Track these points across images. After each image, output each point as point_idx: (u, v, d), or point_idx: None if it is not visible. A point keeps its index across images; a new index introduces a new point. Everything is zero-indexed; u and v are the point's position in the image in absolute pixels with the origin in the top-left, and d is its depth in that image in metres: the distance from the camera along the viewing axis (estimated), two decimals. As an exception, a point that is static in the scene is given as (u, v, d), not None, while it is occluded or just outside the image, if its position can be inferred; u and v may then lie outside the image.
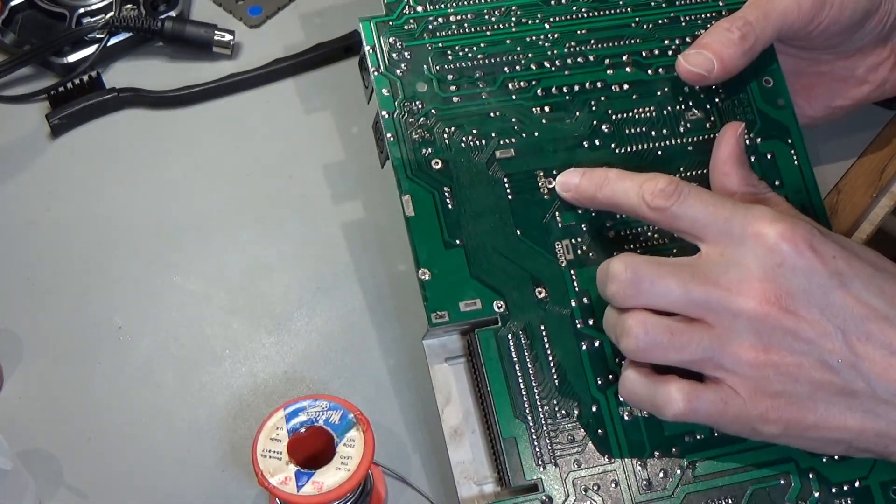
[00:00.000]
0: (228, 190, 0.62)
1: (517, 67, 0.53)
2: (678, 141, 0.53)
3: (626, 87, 0.53)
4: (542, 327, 0.49)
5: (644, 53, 0.54)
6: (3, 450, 0.49)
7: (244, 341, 0.57)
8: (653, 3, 0.55)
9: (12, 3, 0.67)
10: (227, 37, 0.66)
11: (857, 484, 0.49)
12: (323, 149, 0.64)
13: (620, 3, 0.55)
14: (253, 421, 0.55)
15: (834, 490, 0.49)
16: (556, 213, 0.51)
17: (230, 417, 0.55)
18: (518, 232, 0.50)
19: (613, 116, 0.53)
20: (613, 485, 0.48)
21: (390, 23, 0.53)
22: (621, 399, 0.48)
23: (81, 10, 0.66)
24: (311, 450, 0.47)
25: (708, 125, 0.53)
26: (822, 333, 0.44)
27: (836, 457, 0.49)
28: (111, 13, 0.66)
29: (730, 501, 0.49)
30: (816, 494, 0.49)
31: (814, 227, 0.46)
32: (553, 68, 0.53)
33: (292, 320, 0.58)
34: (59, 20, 0.67)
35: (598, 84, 0.53)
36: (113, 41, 0.66)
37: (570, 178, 0.50)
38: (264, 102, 0.66)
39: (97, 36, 0.66)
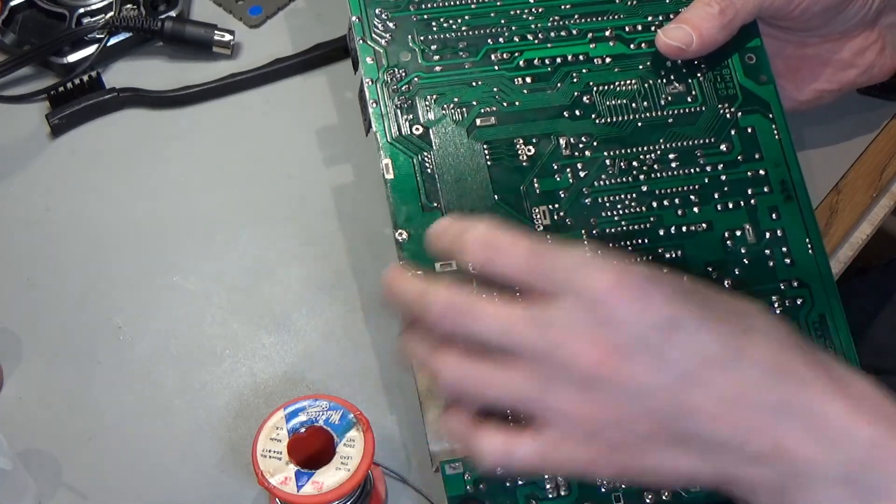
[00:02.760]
0: (228, 190, 0.62)
1: (500, 39, 0.54)
2: (658, 113, 0.53)
3: (607, 60, 0.54)
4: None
5: (627, 28, 0.55)
6: (3, 450, 0.49)
7: (244, 341, 0.57)
8: None
9: (12, 3, 0.67)
10: (227, 37, 0.66)
11: None
12: (323, 148, 0.64)
13: None
14: (253, 421, 0.55)
15: None
16: (535, 180, 0.52)
17: (230, 417, 0.55)
18: (496, 197, 0.51)
19: (594, 88, 0.53)
20: None
21: None
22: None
23: (81, 10, 0.66)
24: (311, 450, 0.47)
25: (689, 99, 0.54)
26: (653, 384, 0.41)
27: None
28: (111, 13, 0.66)
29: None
30: None
31: (645, 272, 0.42)
32: (536, 41, 0.54)
33: (292, 320, 0.58)
34: (59, 20, 0.67)
35: (580, 57, 0.54)
36: (113, 41, 0.66)
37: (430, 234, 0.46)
38: (264, 102, 0.66)
39: (97, 36, 0.66)
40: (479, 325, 0.42)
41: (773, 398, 0.42)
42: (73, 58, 0.65)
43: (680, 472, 0.42)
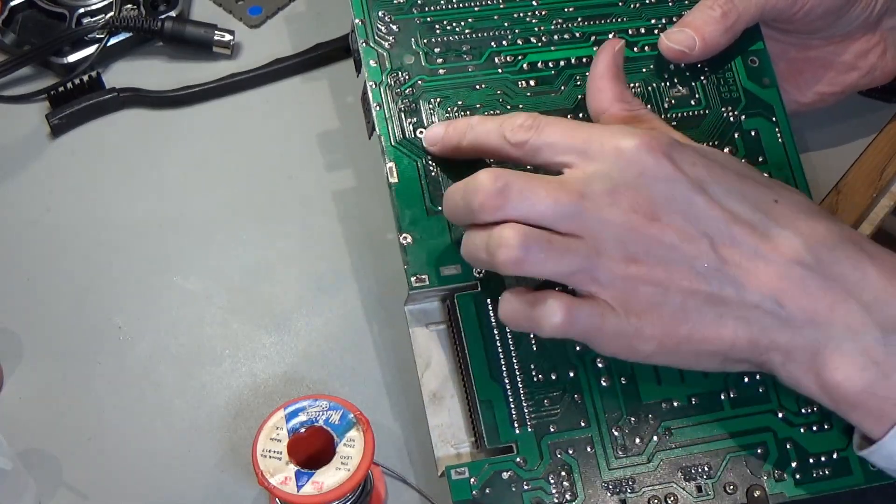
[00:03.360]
0: (228, 190, 0.62)
1: (504, 42, 0.54)
2: (662, 117, 0.53)
3: None
4: None
5: (630, 31, 0.55)
6: (3, 450, 0.49)
7: (244, 341, 0.57)
8: None
9: (12, 3, 0.67)
10: (227, 37, 0.66)
11: (834, 455, 0.50)
12: (323, 149, 0.64)
13: None
14: (253, 421, 0.55)
15: (811, 461, 0.50)
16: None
17: (230, 417, 0.55)
18: None
19: None
20: (588, 448, 0.49)
21: None
22: (504, 320, 0.47)
23: (81, 10, 0.66)
24: (311, 450, 0.47)
25: (693, 102, 0.54)
26: (687, 239, 0.44)
27: (812, 427, 0.50)
28: (111, 13, 0.66)
29: (706, 469, 0.49)
30: (794, 465, 0.49)
31: (673, 137, 0.46)
32: (539, 44, 0.54)
33: (292, 320, 0.58)
34: (59, 20, 0.67)
35: (584, 60, 0.54)
36: (113, 41, 0.66)
37: (435, 131, 0.50)
38: (264, 102, 0.66)
39: (97, 36, 0.66)
40: (525, 198, 0.44)
41: (808, 260, 0.44)
42: (73, 58, 0.65)
43: (720, 337, 0.44)
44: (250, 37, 0.68)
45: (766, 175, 0.46)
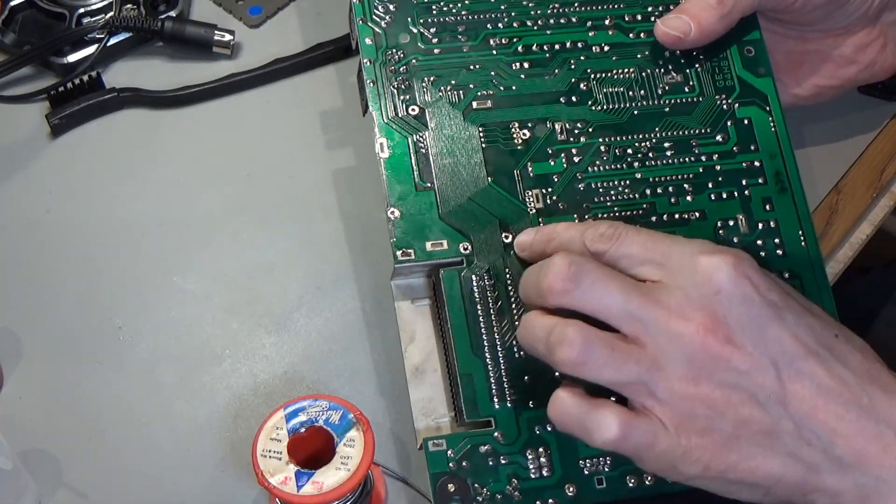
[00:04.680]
0: (228, 190, 0.62)
1: (500, 24, 0.54)
2: (655, 102, 0.54)
3: (606, 48, 0.54)
4: (507, 271, 0.50)
5: (627, 17, 0.55)
6: (3, 450, 0.49)
7: (244, 341, 0.57)
8: None
9: (12, 3, 0.67)
10: (227, 37, 0.66)
11: None
12: (323, 149, 0.64)
13: None
14: (253, 421, 0.55)
15: None
16: (529, 164, 0.52)
17: (230, 417, 0.55)
18: (489, 179, 0.52)
19: (592, 75, 0.54)
20: None
21: None
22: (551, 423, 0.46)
23: (81, 10, 0.66)
24: (311, 450, 0.47)
25: (686, 89, 0.54)
26: (755, 366, 0.42)
27: None
28: (111, 13, 0.66)
29: None
30: None
31: (750, 258, 0.44)
32: (535, 27, 0.54)
33: (292, 320, 0.58)
34: (59, 20, 0.67)
35: (579, 44, 0.54)
36: (113, 41, 0.66)
37: (524, 238, 0.50)
38: (264, 102, 0.66)
39: (97, 36, 0.66)
40: (597, 292, 0.43)
41: (865, 401, 0.43)
42: (73, 58, 0.65)
43: (767, 472, 0.43)
44: (250, 37, 0.68)
45: (821, 310, 0.46)
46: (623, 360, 0.43)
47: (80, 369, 0.56)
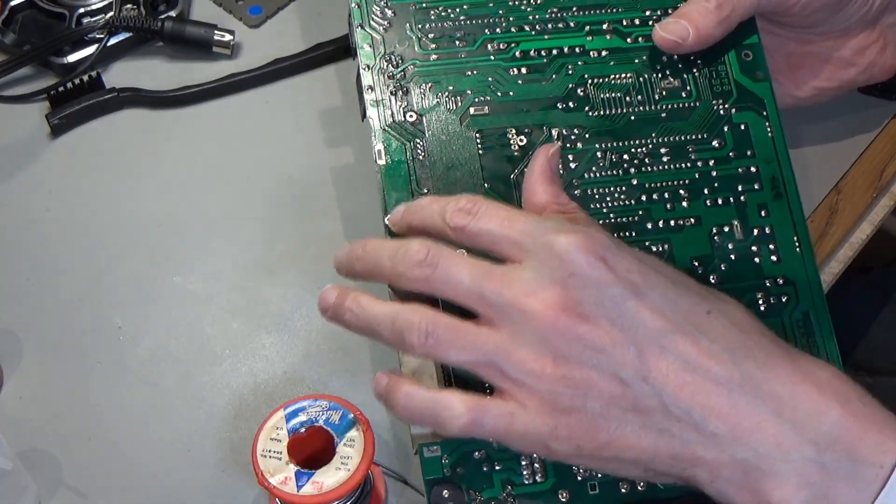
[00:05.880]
0: (228, 190, 0.62)
1: (497, 30, 0.54)
2: (652, 108, 0.53)
3: (604, 53, 0.54)
4: None
5: (625, 22, 0.55)
6: (3, 450, 0.49)
7: (244, 341, 0.57)
8: None
9: (12, 3, 0.67)
10: (227, 37, 0.66)
11: None
12: (322, 149, 0.64)
13: None
14: (253, 421, 0.55)
15: None
16: (525, 170, 0.51)
17: (230, 417, 0.55)
18: (486, 185, 0.51)
19: (589, 81, 0.54)
20: None
21: None
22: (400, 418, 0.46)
23: (81, 10, 0.66)
24: (311, 450, 0.47)
25: (683, 94, 0.54)
26: (614, 343, 0.42)
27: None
28: (111, 13, 0.66)
29: None
30: None
31: (610, 240, 0.44)
32: (533, 32, 0.54)
33: (292, 320, 0.58)
34: (59, 20, 0.67)
35: (577, 49, 0.54)
36: (113, 41, 0.66)
37: (395, 215, 0.49)
38: (264, 102, 0.66)
39: (97, 36, 0.66)
40: (451, 277, 0.43)
41: (737, 376, 0.42)
42: (73, 58, 0.65)
43: (641, 448, 0.42)
44: (250, 37, 0.68)
45: (700, 284, 0.45)
46: (469, 340, 0.42)
47: (80, 369, 0.56)
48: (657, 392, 0.42)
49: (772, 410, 0.42)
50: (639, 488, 0.49)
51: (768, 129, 0.54)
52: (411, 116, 0.52)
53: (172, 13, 0.67)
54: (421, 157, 0.51)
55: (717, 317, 0.44)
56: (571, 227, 0.44)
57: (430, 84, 0.53)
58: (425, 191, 0.51)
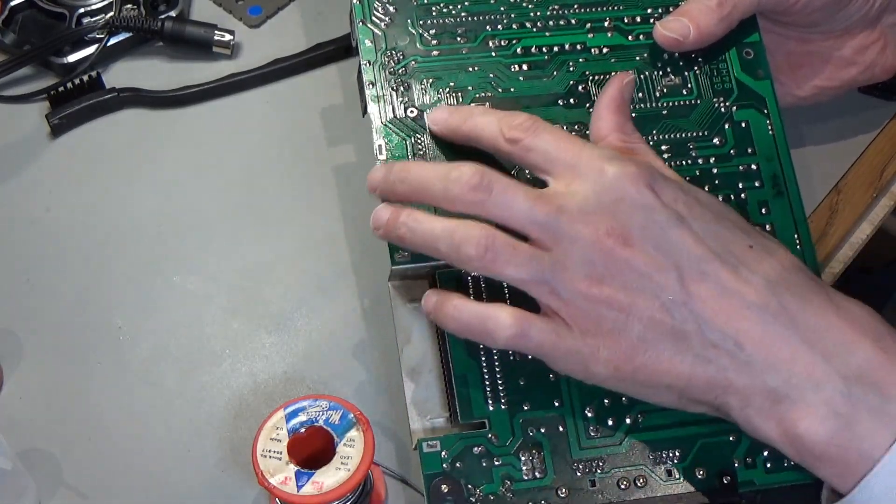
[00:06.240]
0: (228, 190, 0.62)
1: (499, 26, 0.54)
2: (653, 105, 0.54)
3: (605, 50, 0.54)
4: None
5: (626, 20, 0.55)
6: (3, 450, 0.49)
7: (244, 341, 0.57)
8: None
9: (12, 3, 0.67)
10: (227, 37, 0.66)
11: None
12: (323, 149, 0.64)
13: None
14: (253, 421, 0.55)
15: None
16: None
17: (230, 417, 0.55)
18: None
19: (590, 78, 0.54)
20: (560, 427, 0.49)
21: None
22: (448, 330, 0.48)
23: (81, 10, 0.66)
24: (311, 450, 0.47)
25: (685, 91, 0.54)
26: (657, 267, 0.44)
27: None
28: (111, 13, 0.66)
29: (677, 453, 0.49)
30: (765, 453, 0.50)
31: (657, 170, 0.46)
32: (534, 29, 0.54)
33: (292, 320, 0.58)
34: (59, 20, 0.67)
35: (578, 46, 0.54)
36: (113, 41, 0.66)
37: (440, 114, 0.50)
38: (264, 102, 0.66)
39: (97, 36, 0.66)
40: (505, 201, 0.44)
41: (773, 305, 0.44)
42: (73, 58, 0.65)
43: (677, 373, 0.44)
44: (250, 37, 0.68)
45: (746, 222, 0.47)
46: (526, 258, 0.44)
47: (80, 369, 0.56)
48: (695, 317, 0.43)
49: (805, 340, 0.43)
50: (637, 486, 0.49)
51: (769, 127, 0.54)
52: (412, 112, 0.52)
53: (172, 13, 0.67)
54: (422, 153, 0.51)
55: (758, 251, 0.45)
56: (623, 157, 0.46)
57: (431, 80, 0.53)
58: None
